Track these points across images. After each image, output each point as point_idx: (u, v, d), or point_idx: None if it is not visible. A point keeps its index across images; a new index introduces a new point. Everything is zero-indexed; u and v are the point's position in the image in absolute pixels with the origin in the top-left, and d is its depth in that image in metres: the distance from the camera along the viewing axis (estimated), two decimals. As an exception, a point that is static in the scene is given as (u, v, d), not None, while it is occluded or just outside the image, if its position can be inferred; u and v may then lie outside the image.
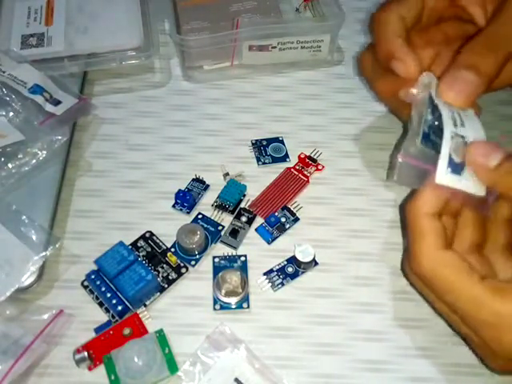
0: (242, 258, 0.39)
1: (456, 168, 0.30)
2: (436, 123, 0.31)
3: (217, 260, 0.39)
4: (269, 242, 0.40)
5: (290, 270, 0.39)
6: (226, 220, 0.41)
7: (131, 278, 0.36)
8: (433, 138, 0.31)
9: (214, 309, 0.37)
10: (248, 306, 0.37)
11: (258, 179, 0.43)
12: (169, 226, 0.40)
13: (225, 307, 0.37)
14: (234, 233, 0.40)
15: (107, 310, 0.37)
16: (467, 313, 0.29)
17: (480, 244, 0.33)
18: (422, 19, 0.36)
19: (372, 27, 0.37)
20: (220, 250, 0.40)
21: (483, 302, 0.28)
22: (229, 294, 0.37)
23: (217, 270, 0.38)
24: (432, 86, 0.33)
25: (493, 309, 0.28)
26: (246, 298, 0.37)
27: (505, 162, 0.29)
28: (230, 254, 0.39)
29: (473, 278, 0.29)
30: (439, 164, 0.30)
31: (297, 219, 0.41)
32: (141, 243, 0.40)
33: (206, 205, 0.42)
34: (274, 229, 0.41)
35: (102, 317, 0.37)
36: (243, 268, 0.39)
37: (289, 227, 0.41)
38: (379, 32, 0.36)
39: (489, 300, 0.28)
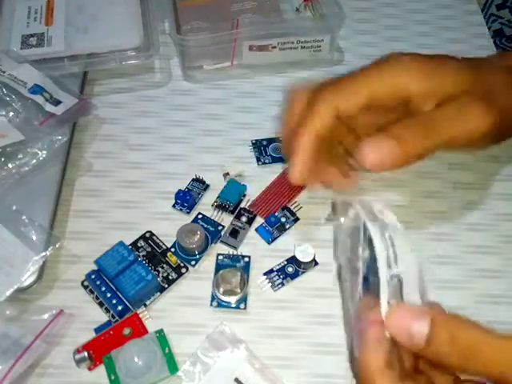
0: (246, 259, 0.39)
1: None
2: (371, 263, 0.29)
3: (220, 258, 0.39)
4: (269, 242, 0.40)
5: (290, 270, 0.39)
6: (226, 220, 0.41)
7: (131, 277, 0.36)
8: (371, 279, 0.29)
9: (211, 305, 0.37)
10: (245, 307, 0.37)
11: (258, 179, 0.43)
12: (169, 226, 0.40)
13: (222, 305, 0.37)
14: (234, 233, 0.40)
15: (107, 310, 0.37)
16: None
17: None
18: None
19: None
20: (220, 250, 0.40)
21: None
22: (227, 293, 0.37)
23: (219, 267, 0.38)
24: (353, 206, 0.30)
25: None
26: (243, 299, 0.37)
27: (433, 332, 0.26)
28: (234, 253, 0.39)
29: None
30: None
31: (297, 219, 0.41)
32: (141, 243, 0.40)
33: (206, 205, 0.42)
34: (274, 229, 0.41)
35: (101, 317, 0.37)
36: (245, 268, 0.38)
37: (289, 227, 0.41)
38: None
39: None
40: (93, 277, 0.37)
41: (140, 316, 0.36)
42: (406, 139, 0.29)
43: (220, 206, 0.42)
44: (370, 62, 0.33)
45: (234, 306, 0.37)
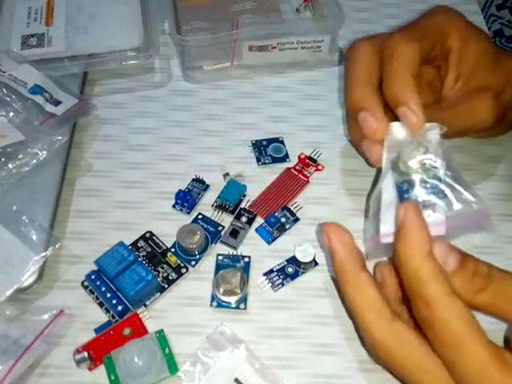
0: (246, 259, 0.39)
1: None
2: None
3: (220, 258, 0.39)
4: (269, 242, 0.40)
5: (290, 270, 0.39)
6: (226, 220, 0.41)
7: (131, 278, 0.36)
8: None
9: (211, 305, 0.37)
10: (245, 307, 0.37)
11: (258, 179, 0.43)
12: (169, 226, 0.40)
13: (222, 305, 0.37)
14: (234, 233, 0.40)
15: (107, 310, 0.37)
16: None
17: None
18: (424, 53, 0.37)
19: (348, 57, 0.38)
20: (220, 250, 0.40)
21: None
22: (227, 293, 0.37)
23: (219, 267, 0.38)
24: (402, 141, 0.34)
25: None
26: (243, 299, 0.37)
27: (460, 268, 0.29)
28: (234, 253, 0.39)
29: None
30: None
31: (297, 219, 0.41)
32: (141, 243, 0.40)
33: (206, 205, 0.42)
34: (274, 229, 0.41)
35: (102, 317, 0.37)
36: (245, 269, 0.38)
37: (289, 227, 0.41)
38: (354, 70, 0.37)
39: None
40: (93, 277, 0.37)
41: (140, 316, 0.36)
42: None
43: (220, 206, 0.42)
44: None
45: (234, 306, 0.37)
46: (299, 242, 0.39)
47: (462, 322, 0.27)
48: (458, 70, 0.39)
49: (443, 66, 0.40)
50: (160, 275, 0.38)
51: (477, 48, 0.39)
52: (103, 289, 0.37)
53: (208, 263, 0.39)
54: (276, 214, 0.41)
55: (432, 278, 0.28)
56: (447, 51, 0.39)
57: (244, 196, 0.42)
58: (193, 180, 0.43)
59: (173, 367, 0.34)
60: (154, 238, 0.40)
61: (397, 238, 0.29)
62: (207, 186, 0.43)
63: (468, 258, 0.30)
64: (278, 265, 0.39)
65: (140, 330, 0.36)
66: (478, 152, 0.45)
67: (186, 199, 0.41)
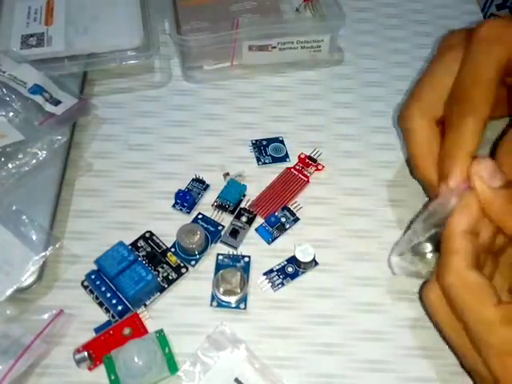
0: (246, 259, 0.39)
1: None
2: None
3: (221, 258, 0.39)
4: (269, 242, 0.40)
5: (289, 269, 0.39)
6: (226, 220, 0.41)
7: (131, 277, 0.36)
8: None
9: (211, 305, 0.37)
10: (245, 307, 0.37)
11: (258, 179, 0.43)
12: (169, 226, 0.40)
13: (222, 305, 0.37)
14: (234, 233, 0.40)
15: (107, 310, 0.37)
16: (477, 335, 0.28)
17: None
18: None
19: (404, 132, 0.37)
20: (220, 250, 0.40)
21: (494, 327, 0.28)
22: (227, 292, 0.37)
23: (219, 267, 0.38)
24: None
25: (502, 335, 0.28)
26: (243, 299, 0.37)
27: (505, 188, 0.29)
28: (234, 253, 0.39)
29: (490, 301, 0.28)
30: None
31: (297, 219, 0.41)
32: (141, 243, 0.40)
33: (206, 205, 0.42)
34: (274, 229, 0.41)
35: (102, 317, 0.37)
36: (245, 269, 0.38)
37: (289, 227, 0.41)
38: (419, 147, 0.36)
39: (499, 325, 0.28)
40: (93, 277, 0.37)
41: (140, 316, 0.36)
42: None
43: (220, 206, 0.42)
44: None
45: (234, 306, 0.37)
46: (299, 242, 0.39)
47: (468, 287, 0.29)
48: None
49: None
50: (160, 275, 0.38)
51: None
52: (103, 288, 0.37)
53: (208, 263, 0.39)
54: (276, 214, 0.41)
55: (456, 251, 0.30)
56: None
57: (244, 196, 0.42)
58: (193, 180, 0.43)
59: (173, 367, 0.34)
60: (154, 237, 0.40)
61: None
62: (207, 185, 0.43)
63: None
64: (278, 265, 0.39)
65: (140, 330, 0.35)
66: None
67: (185, 199, 0.41)
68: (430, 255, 0.34)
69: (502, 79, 0.34)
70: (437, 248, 0.33)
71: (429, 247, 0.34)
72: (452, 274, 0.30)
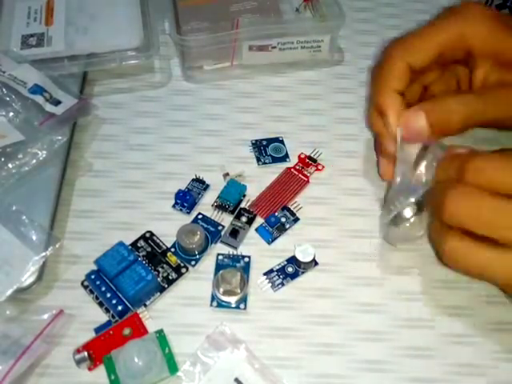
0: (246, 259, 0.39)
1: None
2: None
3: (221, 258, 0.39)
4: (269, 242, 0.40)
5: (290, 269, 0.39)
6: (226, 220, 0.41)
7: (131, 277, 0.36)
8: None
9: (211, 305, 0.37)
10: (245, 307, 0.37)
11: (258, 179, 0.43)
12: (169, 226, 0.40)
13: (221, 305, 0.37)
14: (234, 233, 0.40)
15: (107, 310, 0.37)
16: None
17: None
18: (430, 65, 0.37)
19: (372, 75, 0.38)
20: (220, 250, 0.40)
21: None
22: (227, 293, 0.37)
23: (219, 267, 0.38)
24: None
25: None
26: (243, 299, 0.37)
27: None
28: (234, 253, 0.39)
29: None
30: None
31: (297, 219, 0.41)
32: (141, 243, 0.40)
33: (206, 205, 0.42)
34: (274, 229, 0.41)
35: (102, 317, 0.37)
36: (245, 269, 0.38)
37: (289, 227, 0.41)
38: (377, 83, 0.37)
39: None
40: (93, 277, 0.37)
41: (140, 316, 0.36)
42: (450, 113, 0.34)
43: (220, 206, 0.42)
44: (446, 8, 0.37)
45: (234, 306, 0.37)
46: (299, 242, 0.39)
47: None
48: (489, 71, 0.37)
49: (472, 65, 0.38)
50: (160, 275, 0.38)
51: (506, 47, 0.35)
52: (103, 289, 0.37)
53: (208, 263, 0.39)
54: (276, 214, 0.41)
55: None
56: (472, 56, 0.37)
57: (244, 196, 0.42)
58: (193, 180, 0.43)
59: (173, 367, 0.34)
60: (154, 237, 0.40)
61: None
62: (207, 185, 0.43)
63: None
64: (278, 265, 0.39)
65: (140, 330, 0.36)
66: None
67: (185, 199, 0.41)
68: (413, 218, 0.35)
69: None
70: (419, 208, 0.34)
71: (409, 212, 0.35)
72: None
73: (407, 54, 0.36)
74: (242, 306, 0.37)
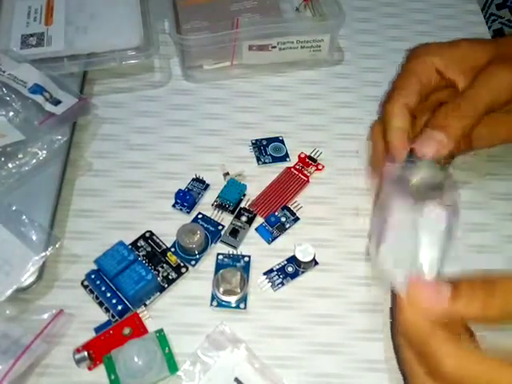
0: (246, 259, 0.39)
1: None
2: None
3: (220, 257, 0.39)
4: (269, 242, 0.40)
5: (289, 269, 0.39)
6: (226, 220, 0.41)
7: (131, 277, 0.36)
8: None
9: (211, 305, 0.37)
10: (245, 307, 0.37)
11: (258, 179, 0.43)
12: (169, 226, 0.40)
13: (222, 305, 0.37)
14: (234, 232, 0.40)
15: (107, 310, 0.37)
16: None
17: None
18: (421, 97, 0.38)
19: (381, 118, 0.39)
20: (220, 249, 0.40)
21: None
22: (227, 292, 0.37)
23: (219, 267, 0.38)
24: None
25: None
26: (243, 299, 0.37)
27: (456, 293, 0.28)
28: (234, 252, 0.39)
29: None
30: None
31: (297, 219, 0.41)
32: (141, 243, 0.40)
33: (205, 204, 0.42)
34: (274, 228, 0.41)
35: (102, 316, 0.37)
36: (245, 268, 0.38)
37: (289, 227, 0.41)
38: (385, 123, 0.38)
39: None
40: (93, 276, 0.37)
41: (140, 316, 0.36)
42: (449, 125, 0.34)
43: (220, 206, 0.42)
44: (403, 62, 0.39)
45: (234, 305, 0.37)
46: (299, 242, 0.39)
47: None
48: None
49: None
50: (160, 275, 0.38)
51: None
52: (103, 288, 0.37)
53: (208, 263, 0.39)
54: (276, 214, 0.41)
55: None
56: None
57: (244, 195, 0.42)
58: (193, 179, 0.43)
59: (173, 367, 0.34)
60: (154, 237, 0.40)
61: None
62: (207, 185, 0.43)
63: (460, 281, 0.29)
64: (278, 264, 0.39)
65: (140, 330, 0.36)
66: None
67: (185, 199, 0.41)
68: None
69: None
70: None
71: None
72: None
73: (404, 98, 0.37)
74: (241, 305, 0.37)
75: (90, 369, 0.34)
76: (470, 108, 0.35)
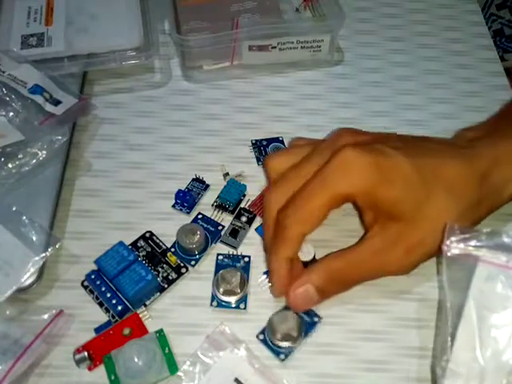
0: (246, 259, 0.39)
1: None
2: None
3: (220, 258, 0.39)
4: (269, 242, 0.40)
5: (289, 269, 0.39)
6: (226, 220, 0.41)
7: (131, 277, 0.36)
8: None
9: (211, 305, 0.37)
10: (245, 307, 0.37)
11: (258, 179, 0.43)
12: (169, 226, 0.40)
13: (221, 305, 0.37)
14: (234, 233, 0.40)
15: (107, 310, 0.37)
16: None
17: None
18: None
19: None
20: (220, 250, 0.40)
21: None
22: (227, 292, 0.37)
23: (219, 267, 0.38)
24: None
25: None
26: (243, 299, 0.37)
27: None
28: (234, 253, 0.39)
29: None
30: None
31: (297, 219, 0.41)
32: (141, 243, 0.40)
33: (206, 205, 0.42)
34: (274, 229, 0.41)
35: (102, 317, 0.37)
36: (246, 269, 0.38)
37: (289, 227, 0.41)
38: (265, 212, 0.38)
39: None
40: (93, 277, 0.37)
41: (140, 316, 0.36)
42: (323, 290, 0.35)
43: (220, 206, 0.42)
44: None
45: (234, 305, 0.37)
46: (299, 242, 0.39)
47: None
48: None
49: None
50: (160, 275, 0.38)
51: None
52: (103, 288, 0.37)
53: (208, 263, 0.39)
54: (276, 214, 0.41)
55: None
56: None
57: (244, 196, 0.42)
58: (193, 180, 0.43)
59: (173, 367, 0.34)
60: (154, 237, 0.40)
61: None
62: (207, 185, 0.43)
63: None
64: (278, 264, 0.39)
65: (140, 330, 0.36)
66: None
67: (185, 199, 0.41)
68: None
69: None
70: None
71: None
72: None
73: (300, 226, 0.35)
74: (242, 305, 0.37)
75: (90, 369, 0.34)
76: (357, 276, 0.36)
